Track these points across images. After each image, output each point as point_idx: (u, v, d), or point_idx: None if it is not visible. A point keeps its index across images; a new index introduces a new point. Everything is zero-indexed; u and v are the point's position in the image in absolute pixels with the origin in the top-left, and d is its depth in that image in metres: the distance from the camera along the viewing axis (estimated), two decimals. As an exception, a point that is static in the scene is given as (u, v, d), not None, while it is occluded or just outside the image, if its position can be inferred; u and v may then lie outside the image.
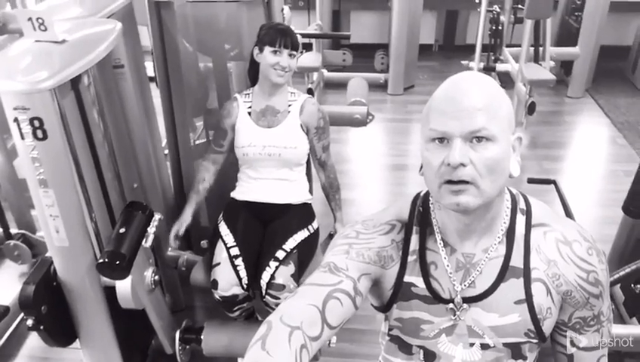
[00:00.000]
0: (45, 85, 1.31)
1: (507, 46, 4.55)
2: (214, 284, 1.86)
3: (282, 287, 1.82)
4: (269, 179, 2.00)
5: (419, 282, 1.00)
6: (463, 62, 4.67)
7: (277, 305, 1.79)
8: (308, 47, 4.53)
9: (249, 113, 1.98)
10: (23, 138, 1.36)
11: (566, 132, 4.22)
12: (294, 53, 1.89)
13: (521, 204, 0.99)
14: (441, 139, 0.87)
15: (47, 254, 1.64)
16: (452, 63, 5.41)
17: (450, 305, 0.98)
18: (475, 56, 4.43)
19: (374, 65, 5.20)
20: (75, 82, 1.48)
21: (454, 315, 0.98)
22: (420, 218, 1.02)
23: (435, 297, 0.99)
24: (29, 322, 1.56)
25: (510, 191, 1.00)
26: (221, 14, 2.24)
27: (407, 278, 1.00)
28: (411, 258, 1.00)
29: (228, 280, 1.85)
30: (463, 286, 0.97)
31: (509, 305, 0.95)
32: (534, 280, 0.94)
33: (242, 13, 2.16)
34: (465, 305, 0.97)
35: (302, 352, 0.82)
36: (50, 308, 1.61)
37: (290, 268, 1.86)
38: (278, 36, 1.86)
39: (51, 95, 1.35)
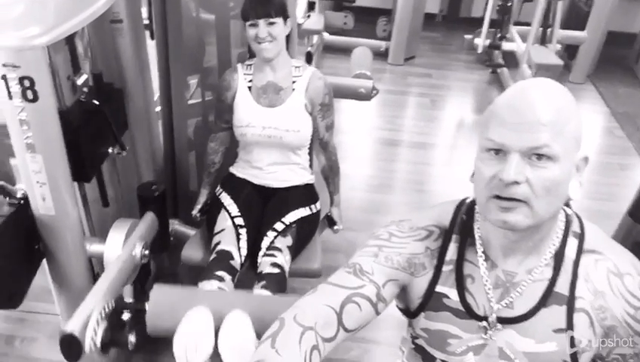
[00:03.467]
0: (39, 42, 1.17)
1: (515, 24, 4.42)
2: (215, 246, 1.75)
3: (279, 250, 1.73)
4: (270, 163, 1.88)
5: (452, 294, 0.94)
6: (466, 36, 4.54)
7: (271, 264, 1.68)
8: (312, 7, 4.35)
9: (249, 88, 1.85)
10: (10, 98, 1.23)
11: (565, 118, 4.17)
12: (273, 20, 1.71)
13: (575, 227, 0.93)
14: (497, 151, 0.81)
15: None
16: (455, 36, 5.28)
17: (483, 323, 0.92)
18: (481, 32, 4.31)
19: (376, 31, 5.04)
20: (69, 38, 1.35)
21: (486, 334, 0.93)
22: (461, 227, 0.96)
23: (467, 312, 0.93)
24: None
25: (565, 212, 0.93)
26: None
27: (439, 288, 0.95)
28: (447, 268, 0.95)
29: (231, 242, 1.75)
30: (501, 306, 0.91)
31: (548, 332, 0.89)
32: (578, 309, 0.88)
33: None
34: (499, 325, 0.92)
35: (312, 353, 0.81)
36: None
37: (288, 239, 1.77)
38: (249, 8, 1.73)
39: (44, 53, 1.22)
